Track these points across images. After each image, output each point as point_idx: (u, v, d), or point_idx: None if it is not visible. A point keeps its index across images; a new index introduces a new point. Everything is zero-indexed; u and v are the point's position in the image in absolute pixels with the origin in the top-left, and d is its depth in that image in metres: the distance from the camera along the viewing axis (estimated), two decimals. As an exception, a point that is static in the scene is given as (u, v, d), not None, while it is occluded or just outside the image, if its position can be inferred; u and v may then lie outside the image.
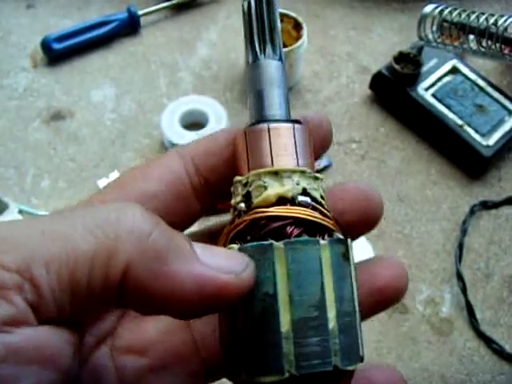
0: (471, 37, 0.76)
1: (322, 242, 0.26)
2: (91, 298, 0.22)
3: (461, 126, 0.80)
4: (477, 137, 0.79)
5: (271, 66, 0.29)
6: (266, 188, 0.27)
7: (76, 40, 0.91)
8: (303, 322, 0.25)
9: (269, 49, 0.29)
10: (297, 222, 0.26)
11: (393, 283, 0.31)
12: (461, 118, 0.81)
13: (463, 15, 0.76)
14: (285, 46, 0.84)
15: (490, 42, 0.73)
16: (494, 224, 0.77)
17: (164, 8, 0.98)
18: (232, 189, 0.29)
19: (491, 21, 0.73)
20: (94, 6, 1.00)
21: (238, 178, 0.28)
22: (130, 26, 0.95)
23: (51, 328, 0.21)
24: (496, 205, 0.78)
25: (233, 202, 0.28)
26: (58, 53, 0.91)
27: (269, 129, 0.27)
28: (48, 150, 0.81)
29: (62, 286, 0.21)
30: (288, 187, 0.27)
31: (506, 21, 0.72)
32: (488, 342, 0.67)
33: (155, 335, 0.30)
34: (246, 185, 0.27)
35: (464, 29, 0.76)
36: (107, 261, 0.22)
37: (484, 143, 0.79)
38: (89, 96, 0.88)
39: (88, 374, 0.29)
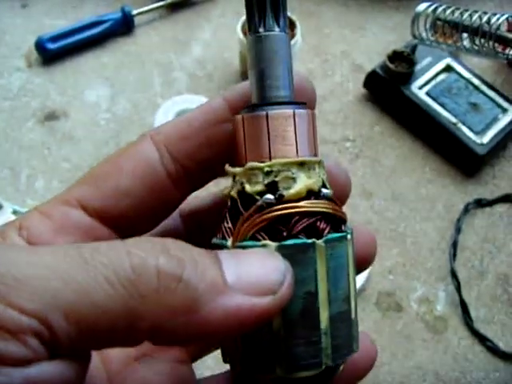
0: (465, 35, 0.76)
1: (348, 236, 0.27)
2: (112, 345, 0.22)
3: (455, 124, 0.80)
4: (471, 135, 0.80)
5: (273, 40, 0.27)
6: (294, 180, 0.26)
7: (70, 40, 0.91)
8: (338, 317, 0.26)
9: (270, 19, 0.26)
10: (325, 216, 0.26)
11: (360, 251, 0.30)
12: (455, 116, 0.81)
13: (456, 13, 0.76)
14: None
15: (483, 41, 0.74)
16: (489, 222, 0.77)
17: (158, 7, 0.98)
18: (237, 176, 0.27)
19: (484, 19, 0.73)
20: (88, 5, 1.00)
21: (256, 164, 0.26)
22: (124, 26, 0.95)
23: (64, 361, 0.21)
24: (490, 203, 0.78)
25: (249, 188, 0.26)
26: (53, 53, 0.90)
27: (267, 115, 0.26)
28: (42, 150, 0.81)
29: (81, 337, 0.20)
30: (314, 179, 0.26)
31: (498, 19, 0.72)
32: (482, 339, 0.67)
33: None
34: (268, 174, 0.26)
35: (457, 27, 0.76)
36: (131, 321, 0.21)
37: (478, 141, 0.79)
38: (83, 96, 0.88)
39: None
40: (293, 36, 0.84)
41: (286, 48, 0.27)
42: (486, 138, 0.80)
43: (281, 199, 0.25)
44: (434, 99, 0.83)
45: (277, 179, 0.26)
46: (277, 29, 0.27)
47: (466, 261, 0.73)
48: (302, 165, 0.26)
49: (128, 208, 0.28)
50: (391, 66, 0.83)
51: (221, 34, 0.96)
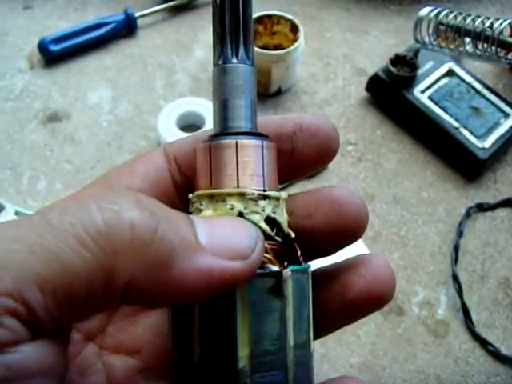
0: (467, 39, 0.76)
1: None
2: (91, 310, 0.21)
3: (457, 129, 0.80)
4: (473, 139, 0.80)
5: (242, 72, 0.26)
6: (201, 211, 0.26)
7: (73, 42, 0.91)
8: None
9: (242, 51, 0.26)
10: None
11: (367, 294, 0.28)
12: (457, 120, 0.81)
13: (459, 18, 0.76)
14: (282, 48, 0.85)
15: (485, 45, 0.74)
16: (490, 226, 0.77)
17: (161, 10, 0.98)
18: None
19: (487, 24, 0.73)
20: (90, 7, 1.00)
21: (189, 195, 0.27)
22: (127, 28, 0.95)
23: (47, 341, 0.21)
24: (492, 207, 0.78)
25: None
26: (55, 54, 0.91)
27: (210, 146, 0.26)
28: (44, 152, 0.81)
29: (59, 306, 0.20)
30: (220, 212, 0.25)
31: (501, 24, 0.72)
32: (483, 343, 0.67)
33: (147, 336, 0.30)
34: (192, 204, 0.27)
35: (460, 32, 0.76)
36: (106, 280, 0.20)
37: (480, 146, 0.79)
38: (85, 98, 0.88)
39: (75, 371, 0.28)
40: (296, 40, 0.84)
41: (253, 81, 0.27)
42: (488, 143, 0.80)
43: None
44: (436, 103, 0.83)
45: (191, 210, 0.27)
46: (248, 62, 0.26)
47: (467, 265, 0.73)
48: (211, 197, 0.26)
49: None
50: (393, 69, 0.83)
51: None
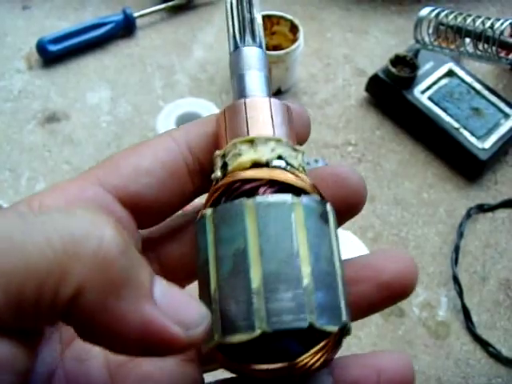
0: (467, 40, 0.76)
1: (293, 199, 0.25)
2: (37, 314, 0.20)
3: (457, 129, 0.80)
4: (473, 140, 0.80)
5: (251, 52, 0.30)
6: (240, 155, 0.27)
7: (71, 42, 0.91)
8: (275, 277, 0.24)
9: (248, 37, 0.30)
10: (271, 182, 0.26)
11: (400, 277, 0.29)
12: (457, 120, 0.81)
13: (459, 18, 0.76)
14: (281, 48, 0.84)
15: (486, 46, 0.74)
16: (491, 227, 0.77)
17: (160, 10, 0.98)
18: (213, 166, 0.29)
19: (487, 24, 0.73)
20: (89, 7, 0.99)
21: (216, 152, 0.28)
22: (126, 28, 0.95)
23: (8, 340, 0.20)
24: (492, 208, 0.78)
25: (212, 176, 0.28)
26: (54, 55, 0.90)
27: (245, 102, 0.28)
28: (43, 153, 0.81)
29: (8, 302, 0.19)
30: (262, 153, 0.27)
31: (502, 24, 0.72)
32: (484, 345, 0.67)
33: None
34: (223, 156, 0.28)
35: (460, 32, 0.76)
36: (58, 280, 0.20)
37: (480, 146, 0.79)
38: (84, 98, 0.87)
39: (72, 357, 0.28)
40: (295, 40, 0.84)
41: (263, 59, 0.31)
42: (488, 143, 0.79)
43: (225, 173, 0.27)
44: (436, 104, 0.82)
45: (227, 159, 0.27)
46: (255, 44, 0.31)
47: (468, 266, 0.73)
48: (251, 142, 0.27)
49: (147, 187, 0.28)
50: (393, 70, 0.83)
51: (223, 37, 0.95)
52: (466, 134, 0.80)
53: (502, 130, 0.81)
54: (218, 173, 0.27)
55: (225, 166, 0.27)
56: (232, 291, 0.24)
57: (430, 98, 0.83)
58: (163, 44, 0.95)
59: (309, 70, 0.92)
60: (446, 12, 0.78)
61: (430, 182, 0.81)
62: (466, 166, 0.81)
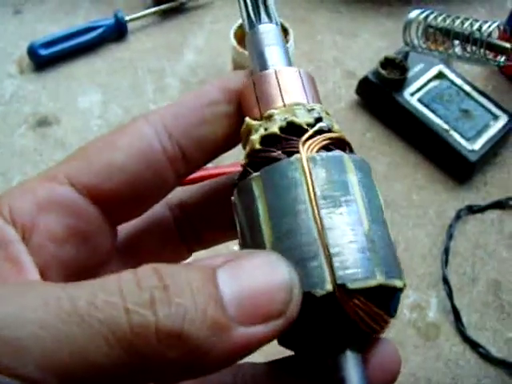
0: (456, 42, 0.76)
1: (346, 155, 0.26)
2: None
3: (447, 131, 0.80)
4: (462, 141, 0.80)
5: (268, 28, 0.30)
6: (330, 119, 0.28)
7: (63, 46, 0.91)
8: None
9: (263, 15, 0.31)
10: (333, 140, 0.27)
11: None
12: (447, 122, 0.81)
13: (448, 21, 0.76)
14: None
15: (474, 48, 0.74)
16: (480, 228, 0.77)
17: (151, 14, 0.98)
18: (245, 135, 0.29)
19: (475, 26, 0.73)
20: (80, 11, 1.00)
21: (249, 120, 0.28)
22: (117, 32, 0.95)
23: None
24: (482, 209, 0.78)
25: (297, 120, 0.27)
26: (45, 59, 0.90)
27: (276, 71, 0.29)
28: (34, 157, 0.81)
29: None
30: (306, 117, 0.28)
31: (490, 26, 0.73)
32: (474, 346, 0.67)
33: None
34: (310, 111, 0.28)
35: (449, 34, 0.76)
36: (132, 380, 0.20)
37: (470, 148, 0.79)
38: (75, 102, 0.88)
39: None
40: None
41: (280, 36, 0.31)
42: (478, 145, 0.80)
43: (330, 128, 0.28)
44: (426, 106, 0.83)
45: (321, 115, 0.28)
46: (271, 21, 0.31)
47: (457, 267, 0.74)
48: (291, 109, 0.28)
49: (121, 184, 0.27)
50: (383, 72, 0.83)
51: (213, 41, 0.96)
52: (456, 135, 0.80)
53: (492, 132, 0.81)
54: (324, 123, 0.28)
55: (319, 120, 0.28)
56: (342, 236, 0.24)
57: (419, 100, 0.83)
58: (154, 48, 0.95)
59: (299, 73, 0.92)
60: (434, 14, 0.78)
61: (419, 184, 0.81)
62: (455, 167, 0.81)
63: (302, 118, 0.27)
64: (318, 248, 0.23)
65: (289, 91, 0.28)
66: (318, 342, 0.24)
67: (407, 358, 0.67)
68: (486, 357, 0.67)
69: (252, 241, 0.26)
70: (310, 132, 0.27)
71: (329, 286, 0.23)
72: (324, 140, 0.27)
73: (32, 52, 0.90)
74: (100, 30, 0.93)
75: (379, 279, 0.23)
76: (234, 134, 0.30)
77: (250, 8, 0.31)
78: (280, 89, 0.28)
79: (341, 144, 0.28)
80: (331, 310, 0.23)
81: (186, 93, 0.30)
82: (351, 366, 0.23)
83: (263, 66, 0.29)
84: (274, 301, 0.21)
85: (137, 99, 0.88)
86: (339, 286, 0.23)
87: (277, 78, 0.28)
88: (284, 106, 0.28)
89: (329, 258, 0.23)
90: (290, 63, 0.30)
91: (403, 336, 0.68)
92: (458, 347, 0.68)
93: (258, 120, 0.28)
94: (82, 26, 0.93)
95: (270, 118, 0.27)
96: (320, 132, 0.27)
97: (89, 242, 0.28)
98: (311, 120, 0.27)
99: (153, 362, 0.20)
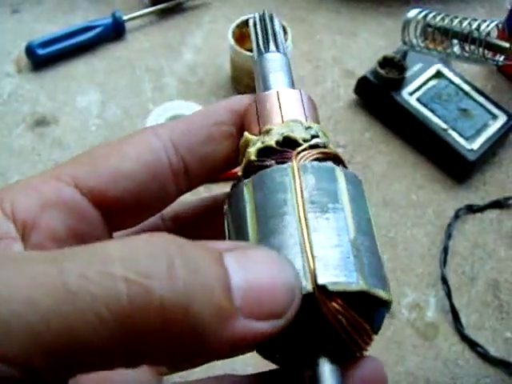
0: (455, 41, 0.76)
1: (337, 166, 0.27)
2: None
3: (445, 130, 0.80)
4: (461, 141, 0.80)
5: (275, 57, 0.32)
6: (325, 136, 0.29)
7: (61, 45, 0.91)
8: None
9: (272, 45, 0.32)
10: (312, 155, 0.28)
11: None
12: (445, 122, 0.81)
13: (446, 20, 0.76)
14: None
15: (473, 47, 0.74)
16: (479, 228, 0.77)
17: (149, 13, 0.98)
18: (243, 149, 0.29)
19: (474, 25, 0.73)
20: (78, 11, 0.99)
21: (248, 135, 0.29)
22: (115, 32, 0.95)
23: None
24: (481, 209, 0.78)
25: (293, 135, 0.28)
26: (43, 58, 0.90)
27: (278, 92, 0.30)
28: (33, 156, 0.81)
29: (64, 377, 0.19)
30: (303, 134, 0.28)
31: (488, 25, 0.72)
32: (473, 345, 0.67)
33: None
34: (308, 129, 0.29)
35: (447, 33, 0.76)
36: (127, 360, 0.19)
37: (468, 147, 0.79)
38: (74, 102, 0.87)
39: None
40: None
41: (287, 64, 0.32)
42: (477, 144, 0.80)
43: (326, 145, 0.29)
44: (425, 105, 0.83)
45: (317, 133, 0.29)
46: (279, 51, 0.32)
47: (456, 267, 0.73)
48: (288, 125, 0.29)
49: (126, 192, 0.27)
50: (382, 72, 0.83)
51: (212, 40, 0.96)
52: (455, 135, 0.80)
53: (491, 131, 0.81)
54: (320, 140, 0.28)
55: (315, 136, 0.29)
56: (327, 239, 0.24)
57: (418, 100, 0.83)
58: (152, 47, 0.95)
59: (298, 73, 0.92)
60: (433, 14, 0.78)
61: (418, 184, 0.81)
62: (454, 167, 0.81)
63: (299, 134, 0.28)
64: (301, 249, 0.23)
65: (288, 110, 0.29)
66: (296, 349, 0.24)
67: (406, 357, 0.66)
68: (485, 356, 0.66)
69: (237, 239, 0.26)
70: (305, 145, 0.27)
71: (309, 287, 0.22)
72: (318, 154, 0.27)
73: (30, 51, 0.90)
74: (98, 30, 0.93)
75: (361, 285, 0.23)
76: (235, 155, 0.30)
77: (260, 38, 0.33)
78: (280, 107, 0.29)
79: (335, 160, 0.28)
80: (310, 312, 0.22)
81: (196, 111, 0.31)
82: (327, 378, 0.23)
83: (266, 87, 0.31)
84: (278, 300, 0.21)
85: (135, 99, 0.88)
86: (319, 287, 0.22)
87: (278, 97, 0.30)
88: (282, 122, 0.29)
89: (311, 259, 0.23)
90: (293, 87, 0.31)
91: (402, 336, 0.68)
92: (457, 347, 0.67)
93: (256, 135, 0.29)
94: (80, 25, 0.93)
95: (267, 132, 0.28)
96: (315, 147, 0.28)
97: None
98: (308, 136, 0.28)
99: (150, 339, 0.19)
